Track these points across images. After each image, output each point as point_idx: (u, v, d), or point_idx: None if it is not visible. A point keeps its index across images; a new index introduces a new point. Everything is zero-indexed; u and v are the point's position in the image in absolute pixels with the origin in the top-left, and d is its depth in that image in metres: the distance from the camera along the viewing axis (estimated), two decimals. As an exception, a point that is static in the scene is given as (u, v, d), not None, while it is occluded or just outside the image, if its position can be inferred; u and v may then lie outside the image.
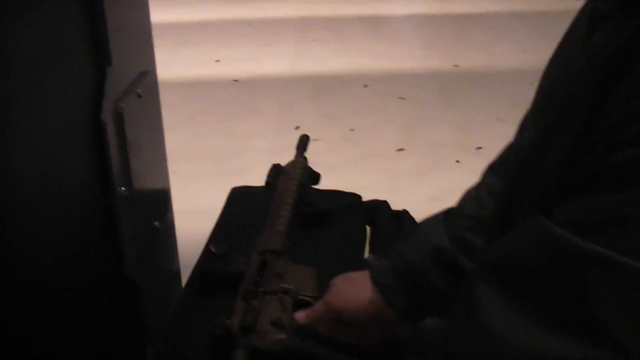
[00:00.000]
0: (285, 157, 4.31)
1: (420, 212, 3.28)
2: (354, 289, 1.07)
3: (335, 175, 3.36)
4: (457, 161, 3.40)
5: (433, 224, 1.10)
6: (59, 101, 0.98)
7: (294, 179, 1.36)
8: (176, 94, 4.19)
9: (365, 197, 3.30)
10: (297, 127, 3.86)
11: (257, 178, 4.12)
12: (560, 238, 0.63)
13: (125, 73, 1.16)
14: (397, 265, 1.06)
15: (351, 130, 3.80)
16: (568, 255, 0.62)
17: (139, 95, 1.16)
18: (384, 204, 1.62)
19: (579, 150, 0.68)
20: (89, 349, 1.10)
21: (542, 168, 0.79)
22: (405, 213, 1.62)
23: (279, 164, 1.45)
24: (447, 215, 1.10)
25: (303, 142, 1.51)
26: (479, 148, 3.51)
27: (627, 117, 0.61)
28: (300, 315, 1.09)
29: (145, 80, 1.21)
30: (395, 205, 3.26)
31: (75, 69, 1.03)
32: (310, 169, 1.44)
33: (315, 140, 3.73)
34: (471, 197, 1.12)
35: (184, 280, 1.49)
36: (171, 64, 4.63)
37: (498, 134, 3.59)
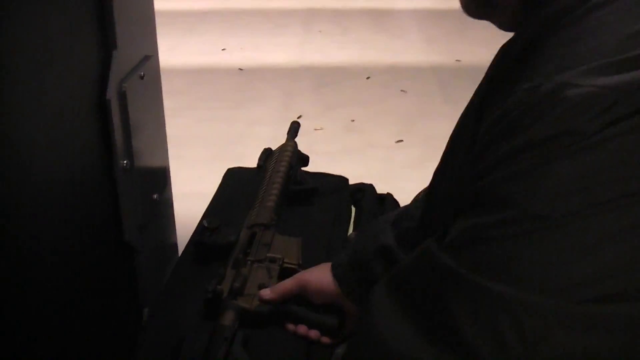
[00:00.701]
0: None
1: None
2: (321, 273, 1.18)
3: (334, 164, 3.42)
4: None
5: (384, 222, 1.17)
6: (68, 80, 1.07)
7: (283, 160, 1.47)
8: (181, 80, 4.27)
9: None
10: (299, 117, 3.94)
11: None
12: (434, 255, 0.70)
13: (129, 56, 1.25)
14: (351, 259, 1.16)
15: (352, 120, 3.88)
16: (435, 270, 0.69)
17: (142, 77, 1.26)
18: (370, 187, 1.72)
19: (462, 176, 0.75)
20: (89, 309, 1.20)
21: (441, 190, 0.88)
22: (389, 196, 1.71)
23: (269, 148, 1.55)
24: (398, 214, 1.18)
25: (294, 128, 1.61)
26: (475, 142, 3.58)
27: (486, 145, 0.67)
28: (265, 292, 1.19)
29: (148, 64, 1.31)
30: (395, 196, 3.33)
31: (84, 51, 1.12)
32: (299, 151, 1.55)
33: (317, 129, 3.82)
34: (420, 199, 1.19)
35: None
36: (177, 51, 4.71)
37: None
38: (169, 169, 1.50)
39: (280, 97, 4.21)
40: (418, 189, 3.84)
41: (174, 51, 4.76)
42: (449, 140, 0.93)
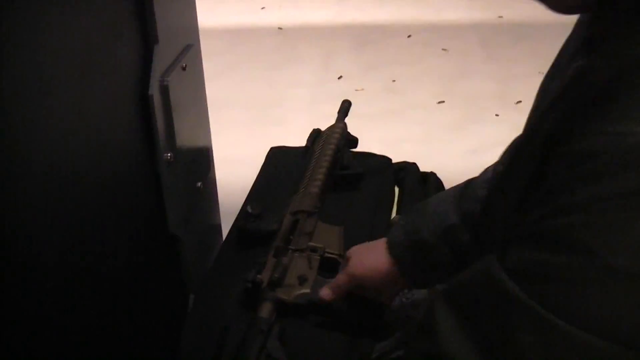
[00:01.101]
0: (327, 107, 4.37)
1: (457, 166, 3.36)
2: (373, 259, 1.16)
3: (374, 126, 3.42)
4: (497, 115, 3.43)
5: (446, 203, 1.15)
6: (110, 79, 1.07)
7: (331, 143, 1.46)
8: (220, 41, 4.25)
9: (404, 149, 3.37)
10: (339, 77, 3.92)
11: (298, 128, 4.21)
12: (497, 278, 0.68)
13: (171, 48, 1.25)
14: (411, 240, 1.14)
15: (393, 81, 3.85)
16: (499, 293, 0.68)
17: (184, 69, 1.26)
18: (413, 165, 1.70)
19: (527, 200, 0.72)
20: (137, 298, 1.22)
21: (502, 204, 0.83)
22: (432, 175, 1.69)
23: (318, 129, 1.54)
24: (463, 191, 1.16)
25: (345, 108, 1.59)
26: (519, 102, 3.53)
27: (562, 184, 0.64)
28: (326, 293, 1.18)
29: (189, 54, 1.30)
30: (433, 158, 3.32)
31: (125, 48, 1.12)
32: (348, 133, 1.53)
33: (357, 90, 3.80)
34: (486, 179, 1.15)
35: (225, 228, 1.59)
36: (215, 12, 4.68)
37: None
38: (212, 153, 1.51)
39: (320, 57, 4.18)
40: (459, 151, 3.84)
41: (212, 11, 4.73)
42: (508, 159, 0.90)
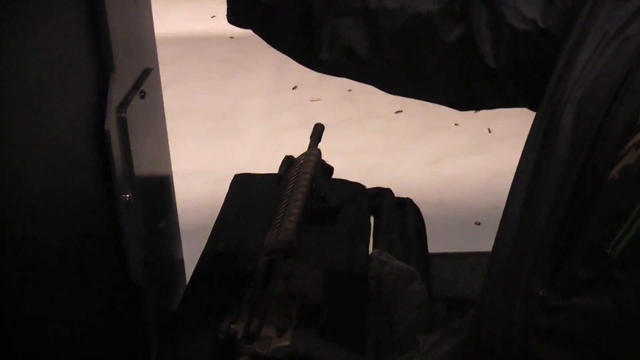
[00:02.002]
0: (283, 118, 4.29)
1: (416, 177, 3.29)
2: None
3: (331, 137, 3.33)
4: (456, 124, 3.38)
5: None
6: (62, 109, 0.95)
7: (306, 172, 1.34)
8: (170, 50, 4.11)
9: (363, 160, 3.29)
10: (294, 87, 3.82)
11: (254, 139, 4.11)
12: None
13: (128, 74, 1.13)
14: None
15: (349, 90, 3.76)
16: None
17: (143, 96, 1.14)
18: (387, 191, 1.61)
19: None
20: (94, 351, 1.10)
21: None
22: (409, 201, 1.60)
23: (291, 156, 1.42)
24: None
25: (318, 132, 1.47)
26: (477, 110, 3.48)
27: None
28: None
29: (148, 79, 1.18)
30: (392, 169, 3.25)
31: (78, 76, 1.00)
32: (323, 162, 1.42)
33: (312, 100, 3.70)
34: None
35: (186, 257, 1.48)
36: (165, 19, 4.54)
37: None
38: (173, 189, 1.39)
39: (274, 65, 4.07)
40: (418, 161, 3.79)
41: (161, 19, 4.59)
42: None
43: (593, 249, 0.65)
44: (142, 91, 1.14)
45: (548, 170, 0.76)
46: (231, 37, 4.42)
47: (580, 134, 0.73)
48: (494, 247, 0.88)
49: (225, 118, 3.57)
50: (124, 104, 1.08)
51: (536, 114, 0.87)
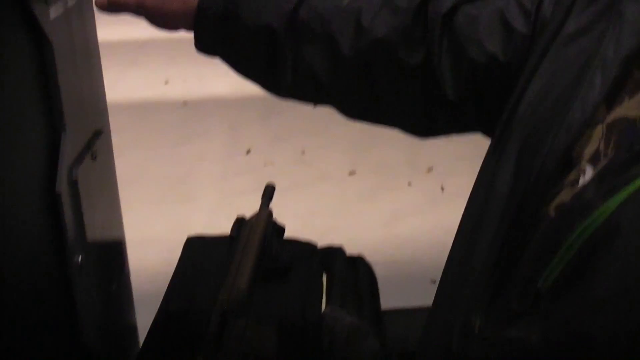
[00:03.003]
0: (236, 183, 4.28)
1: (370, 239, 3.30)
2: None
3: (285, 200, 3.34)
4: (409, 183, 3.42)
5: None
6: (12, 170, 0.95)
7: (258, 232, 1.35)
8: (124, 116, 4.13)
9: (316, 223, 3.30)
10: (248, 151, 3.84)
11: (207, 205, 4.07)
12: None
13: (79, 135, 1.13)
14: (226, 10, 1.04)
15: (302, 153, 3.79)
16: None
17: (94, 158, 1.14)
18: (339, 250, 1.61)
19: None
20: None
21: None
22: (360, 260, 1.61)
23: (243, 217, 1.43)
24: None
25: (268, 193, 1.48)
26: (430, 169, 3.53)
27: None
28: None
29: (99, 140, 1.19)
30: (345, 231, 3.26)
31: (28, 138, 1.00)
32: (274, 222, 1.43)
33: (266, 165, 3.72)
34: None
35: (142, 327, 1.46)
36: (118, 86, 4.55)
37: (449, 154, 3.62)
38: (125, 248, 1.38)
39: (227, 130, 4.11)
40: (371, 222, 3.80)
41: (114, 86, 4.61)
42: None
43: (526, 282, 0.66)
44: (93, 153, 1.15)
45: (492, 201, 0.78)
46: (184, 103, 4.45)
47: (522, 168, 0.74)
48: (441, 276, 0.89)
49: (179, 184, 3.56)
50: (75, 165, 1.09)
51: (490, 144, 0.89)
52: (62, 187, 1.03)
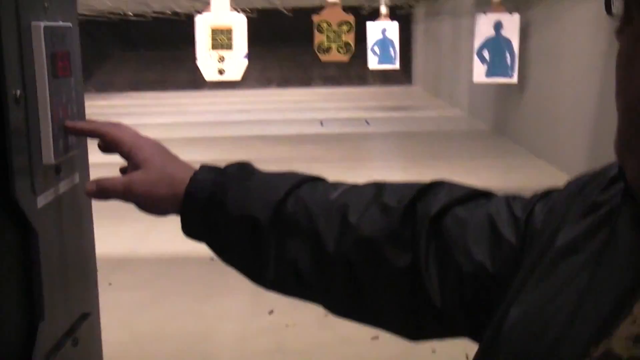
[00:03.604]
0: (257, 344, 4.23)
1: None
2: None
3: (307, 363, 3.29)
4: (433, 351, 3.33)
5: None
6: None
7: None
8: (150, 271, 4.15)
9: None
10: (270, 312, 3.80)
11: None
12: None
13: (60, 321, 1.12)
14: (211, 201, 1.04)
15: (325, 315, 3.74)
16: None
17: (75, 344, 1.12)
18: None
19: None
20: None
21: None
22: None
23: None
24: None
25: None
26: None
27: None
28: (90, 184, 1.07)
29: (84, 325, 1.17)
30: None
31: (3, 327, 0.99)
32: None
33: (288, 326, 3.67)
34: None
35: None
36: (147, 239, 4.61)
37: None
38: None
39: (250, 288, 4.06)
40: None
41: (143, 239, 4.66)
42: None
43: None
44: (75, 338, 1.13)
45: None
46: (212, 259, 4.47)
47: None
48: None
49: (198, 342, 3.52)
50: (53, 352, 1.06)
51: (475, 353, 0.85)
52: (34, 378, 1.00)
